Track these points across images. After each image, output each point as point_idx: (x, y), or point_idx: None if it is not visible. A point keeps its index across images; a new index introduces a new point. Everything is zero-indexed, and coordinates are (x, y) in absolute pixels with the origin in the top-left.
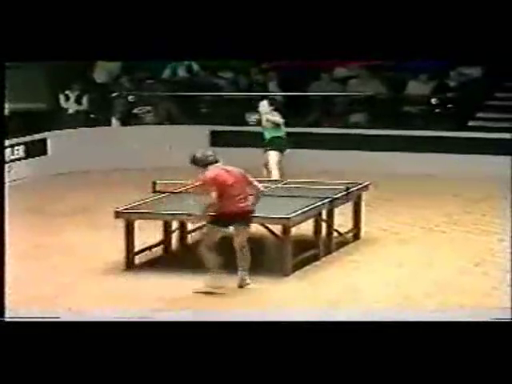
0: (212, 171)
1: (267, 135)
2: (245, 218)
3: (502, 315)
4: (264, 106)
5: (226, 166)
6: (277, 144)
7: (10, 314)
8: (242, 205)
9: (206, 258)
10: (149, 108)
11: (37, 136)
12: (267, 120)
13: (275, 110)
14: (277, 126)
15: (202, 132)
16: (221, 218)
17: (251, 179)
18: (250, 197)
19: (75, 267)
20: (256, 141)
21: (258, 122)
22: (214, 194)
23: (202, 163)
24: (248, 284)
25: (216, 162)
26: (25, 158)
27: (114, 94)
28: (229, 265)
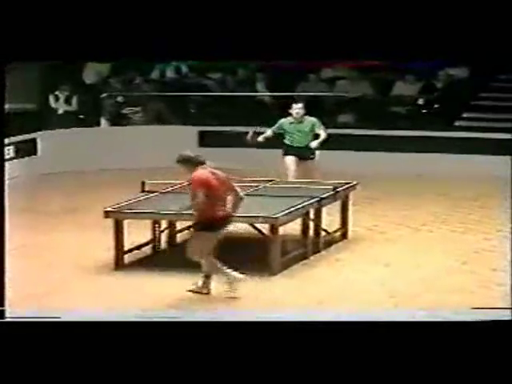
0: (202, 172)
1: (305, 141)
2: (228, 222)
3: (502, 315)
4: (301, 109)
5: (213, 168)
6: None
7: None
8: (226, 209)
9: (207, 264)
10: (138, 108)
11: (27, 136)
12: (314, 126)
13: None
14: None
15: (191, 132)
16: (214, 223)
17: (233, 184)
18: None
19: (65, 266)
20: (244, 141)
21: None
22: (201, 196)
23: (191, 163)
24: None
25: (204, 163)
26: (15, 158)
27: (104, 95)
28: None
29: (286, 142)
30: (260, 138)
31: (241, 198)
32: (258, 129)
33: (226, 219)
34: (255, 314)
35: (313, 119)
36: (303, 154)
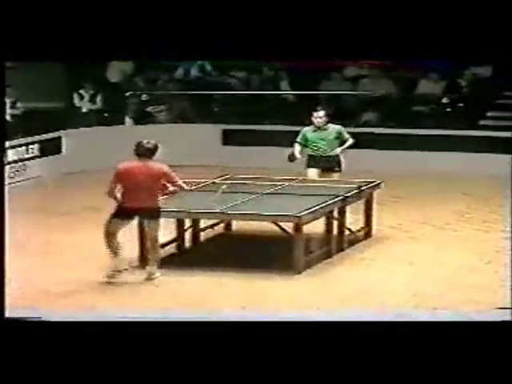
0: (122, 163)
1: (329, 150)
2: (148, 213)
3: (502, 315)
4: (322, 117)
5: (147, 161)
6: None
7: (21, 310)
8: (143, 201)
9: (108, 244)
10: (162, 107)
11: (51, 135)
12: (340, 134)
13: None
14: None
15: (215, 130)
16: (120, 212)
17: (173, 176)
18: (163, 192)
19: (88, 265)
20: (267, 139)
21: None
22: (110, 185)
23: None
24: (156, 277)
25: (138, 154)
26: (39, 157)
27: (128, 93)
28: (235, 263)
29: (310, 152)
30: (297, 155)
31: (184, 190)
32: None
33: (134, 211)
34: (280, 314)
35: (337, 127)
36: (328, 165)
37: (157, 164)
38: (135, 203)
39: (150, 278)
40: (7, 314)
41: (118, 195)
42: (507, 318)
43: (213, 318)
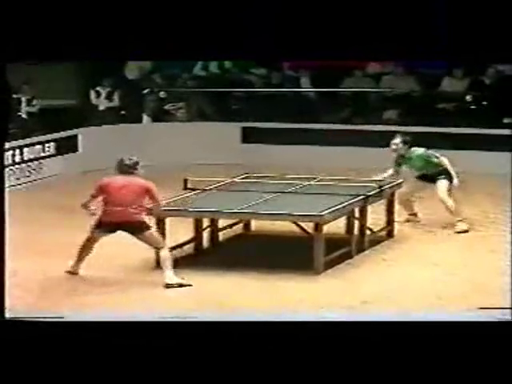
0: (106, 178)
1: (424, 171)
2: (131, 227)
3: (502, 315)
4: (398, 144)
5: (131, 176)
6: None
7: (33, 310)
8: (124, 215)
9: (82, 249)
10: (180, 104)
11: (68, 133)
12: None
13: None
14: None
15: (234, 129)
16: (102, 225)
17: (154, 194)
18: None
19: (105, 264)
20: (287, 137)
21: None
22: (89, 197)
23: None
24: (174, 284)
25: (120, 171)
26: (56, 155)
27: (146, 91)
28: (254, 264)
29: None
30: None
31: (160, 208)
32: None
33: (115, 225)
34: (298, 315)
35: (419, 152)
36: (428, 179)
37: (141, 180)
38: (116, 217)
39: (168, 286)
40: (21, 314)
41: (93, 207)
42: (507, 318)
43: (232, 319)
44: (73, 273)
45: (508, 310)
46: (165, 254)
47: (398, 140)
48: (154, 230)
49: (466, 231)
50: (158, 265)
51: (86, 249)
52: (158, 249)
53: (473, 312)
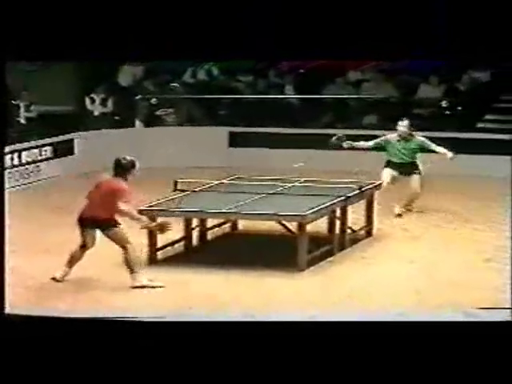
0: (99, 178)
1: (409, 159)
2: (101, 224)
3: (502, 315)
4: (405, 127)
5: (116, 178)
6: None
7: (34, 308)
8: (97, 212)
9: (73, 256)
10: (171, 110)
11: (64, 137)
12: (423, 145)
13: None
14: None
15: (222, 133)
16: (77, 220)
17: (124, 196)
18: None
19: (99, 263)
20: (272, 141)
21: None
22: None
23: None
24: (144, 284)
25: (115, 174)
26: (52, 158)
27: (138, 97)
28: (241, 262)
29: (389, 157)
30: (345, 145)
31: (130, 216)
32: (344, 135)
33: (80, 220)
34: (285, 314)
35: (420, 139)
36: (405, 170)
37: (119, 183)
38: (85, 213)
39: (136, 286)
40: (24, 312)
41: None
42: (507, 317)
43: (220, 317)
44: (58, 280)
45: (508, 310)
46: (129, 255)
47: (405, 122)
48: (120, 228)
49: (399, 215)
50: (150, 262)
51: (75, 253)
52: (123, 248)
53: (472, 312)
